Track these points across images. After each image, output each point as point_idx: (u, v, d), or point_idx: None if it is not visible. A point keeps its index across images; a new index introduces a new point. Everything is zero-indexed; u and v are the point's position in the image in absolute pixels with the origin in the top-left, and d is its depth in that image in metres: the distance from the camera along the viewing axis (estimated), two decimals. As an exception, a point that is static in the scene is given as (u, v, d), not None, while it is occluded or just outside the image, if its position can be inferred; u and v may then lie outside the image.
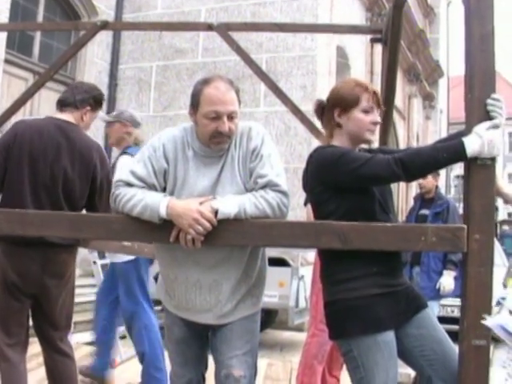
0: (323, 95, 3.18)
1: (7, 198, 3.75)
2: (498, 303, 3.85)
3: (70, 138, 3.92)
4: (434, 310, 6.36)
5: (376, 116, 3.02)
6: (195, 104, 2.96)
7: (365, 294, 2.84)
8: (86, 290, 9.62)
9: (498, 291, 10.24)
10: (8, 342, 3.74)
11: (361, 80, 3.11)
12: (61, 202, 3.85)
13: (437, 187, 6.56)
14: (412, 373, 5.87)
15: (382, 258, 2.86)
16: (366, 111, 2.98)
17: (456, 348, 2.83)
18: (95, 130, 12.08)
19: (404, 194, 17.87)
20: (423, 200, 6.62)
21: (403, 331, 2.93)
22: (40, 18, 11.11)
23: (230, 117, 2.92)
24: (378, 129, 3.05)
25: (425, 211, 6.52)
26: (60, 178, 3.84)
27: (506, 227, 29.39)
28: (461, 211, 2.91)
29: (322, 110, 3.14)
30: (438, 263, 6.27)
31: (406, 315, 2.95)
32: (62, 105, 4.03)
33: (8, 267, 3.71)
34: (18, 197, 3.72)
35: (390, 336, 2.86)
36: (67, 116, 3.98)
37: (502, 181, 2.84)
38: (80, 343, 7.31)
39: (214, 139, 2.93)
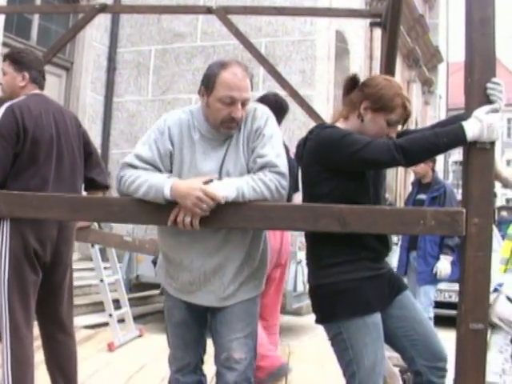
0: (322, 80, 3.19)
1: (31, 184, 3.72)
2: (496, 290, 3.86)
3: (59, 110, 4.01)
4: (430, 294, 6.38)
5: (395, 131, 3.01)
6: (210, 86, 2.93)
7: (354, 277, 2.89)
8: (84, 274, 9.65)
9: (495, 277, 10.28)
10: (26, 321, 3.70)
11: (403, 91, 3.04)
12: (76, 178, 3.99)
13: (433, 172, 6.55)
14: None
15: (369, 242, 2.91)
16: (389, 123, 2.97)
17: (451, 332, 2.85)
18: (94, 114, 12.09)
19: (402, 179, 17.89)
20: (420, 185, 6.61)
21: (387, 313, 2.99)
22: (38, 1, 11.07)
23: (243, 104, 2.92)
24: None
25: (422, 196, 6.52)
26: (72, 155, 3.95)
27: (504, 213, 29.39)
28: (459, 196, 2.91)
29: (353, 86, 3.10)
30: (434, 247, 6.28)
31: (389, 297, 3.03)
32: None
33: (29, 234, 3.68)
34: (44, 182, 3.75)
35: (377, 318, 2.92)
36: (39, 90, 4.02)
37: (500, 165, 2.84)
38: (79, 326, 7.31)
39: (225, 124, 2.93)
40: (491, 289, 3.87)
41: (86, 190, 4.29)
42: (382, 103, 2.94)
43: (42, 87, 4.03)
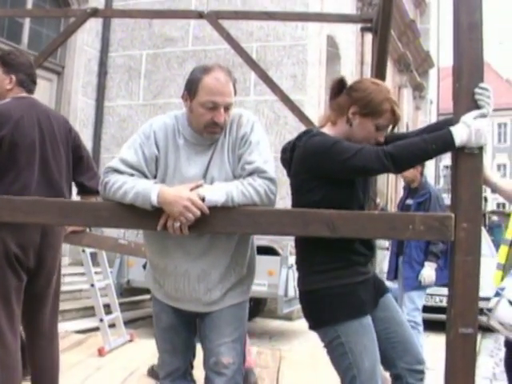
0: (313, 85, 3.19)
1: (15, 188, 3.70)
2: (497, 294, 3.86)
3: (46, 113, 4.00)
4: (415, 299, 6.37)
5: (383, 136, 3.03)
6: (192, 91, 2.93)
7: (349, 282, 2.91)
8: (75, 279, 9.65)
9: (488, 282, 10.32)
10: (11, 327, 3.67)
11: (392, 95, 3.03)
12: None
13: (422, 176, 6.49)
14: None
15: (358, 250, 2.95)
16: (378, 128, 2.98)
17: (442, 336, 2.86)
18: (85, 119, 12.08)
19: (393, 184, 17.93)
20: (410, 190, 6.60)
21: (373, 315, 3.01)
22: (29, 5, 11.06)
23: (226, 108, 2.92)
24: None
25: (409, 201, 6.51)
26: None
27: (494, 217, 29.46)
28: (448, 201, 2.91)
29: (340, 90, 3.10)
30: (419, 254, 6.25)
31: (375, 300, 3.06)
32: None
33: (10, 240, 3.66)
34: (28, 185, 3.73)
35: (370, 320, 2.95)
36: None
37: (489, 170, 2.84)
38: (69, 331, 7.31)
39: (208, 128, 2.93)
40: (493, 292, 3.88)
41: (78, 194, 4.26)
42: (371, 108, 2.95)
43: (30, 91, 3.99)
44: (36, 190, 3.72)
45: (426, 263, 6.19)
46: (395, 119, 2.99)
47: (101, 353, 6.17)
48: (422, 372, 3.02)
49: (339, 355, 2.92)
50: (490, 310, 3.76)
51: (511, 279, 3.99)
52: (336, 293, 2.89)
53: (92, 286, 6.50)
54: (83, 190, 4.20)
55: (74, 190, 4.22)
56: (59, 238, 4.00)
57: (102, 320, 6.46)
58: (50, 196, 3.64)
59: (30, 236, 3.74)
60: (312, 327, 3.05)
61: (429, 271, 6.17)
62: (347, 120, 3.00)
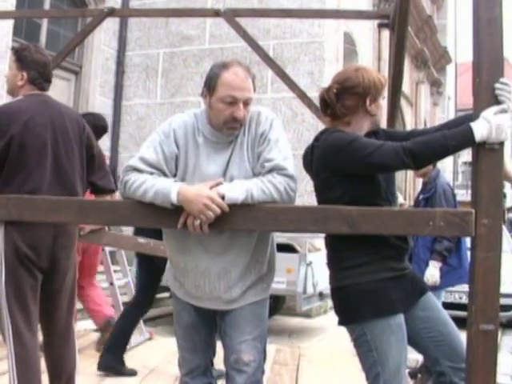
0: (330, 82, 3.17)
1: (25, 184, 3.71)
2: None
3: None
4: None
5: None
6: (211, 87, 2.94)
7: (377, 278, 2.88)
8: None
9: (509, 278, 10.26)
10: (28, 325, 3.68)
11: (372, 68, 3.20)
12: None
13: (434, 169, 6.25)
14: (420, 358, 5.89)
15: (390, 242, 2.89)
16: (384, 98, 3.10)
17: (462, 333, 2.85)
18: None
19: (411, 180, 17.86)
20: (424, 185, 6.45)
21: (410, 314, 2.97)
22: (47, 6, 11.10)
23: (245, 103, 2.93)
24: (385, 113, 3.10)
25: (420, 196, 6.38)
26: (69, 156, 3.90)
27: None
28: (469, 197, 2.89)
29: (336, 96, 3.10)
30: (426, 253, 6.02)
31: (413, 298, 3.00)
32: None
33: (21, 241, 3.64)
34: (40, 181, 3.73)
35: (401, 319, 2.90)
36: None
37: (510, 165, 2.83)
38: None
39: (228, 124, 2.93)
40: None
41: (90, 193, 4.26)
42: (378, 88, 3.05)
43: (43, 88, 3.95)
44: (48, 191, 3.69)
45: (430, 262, 5.97)
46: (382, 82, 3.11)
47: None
48: None
49: (365, 352, 2.92)
50: None
51: None
52: (363, 289, 2.88)
53: (111, 284, 6.52)
54: (95, 190, 4.18)
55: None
56: (72, 238, 3.98)
57: None
58: (64, 195, 3.63)
59: (42, 237, 3.72)
60: (340, 323, 3.04)
61: (432, 271, 5.94)
62: (365, 112, 3.05)
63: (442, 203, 5.91)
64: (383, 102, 3.11)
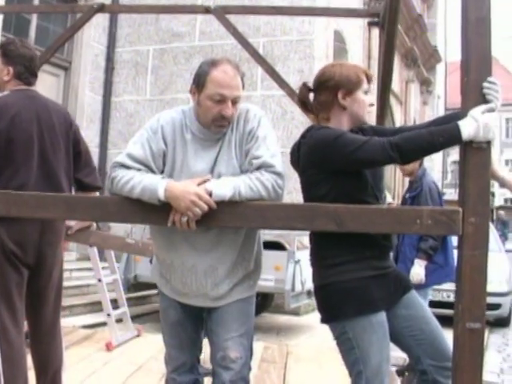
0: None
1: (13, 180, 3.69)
2: None
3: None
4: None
5: (372, 98, 3.13)
6: (200, 84, 2.94)
7: (359, 276, 2.87)
8: (83, 274, 9.67)
9: (503, 275, 10.28)
10: (14, 322, 3.66)
11: (353, 63, 3.16)
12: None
13: (420, 168, 6.23)
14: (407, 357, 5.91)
15: (373, 241, 2.90)
16: (366, 93, 3.06)
17: (449, 331, 2.85)
18: (92, 114, 12.08)
19: (400, 178, 17.89)
20: (410, 183, 6.45)
21: (393, 312, 2.98)
22: (36, 1, 11.07)
23: (234, 101, 2.93)
24: (374, 111, 3.09)
25: (407, 195, 6.39)
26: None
27: (501, 212, 29.47)
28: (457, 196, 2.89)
29: (308, 94, 3.16)
30: (412, 251, 5.99)
31: (395, 296, 3.01)
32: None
33: (7, 237, 3.63)
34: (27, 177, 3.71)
35: (383, 317, 2.90)
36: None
37: (497, 164, 2.84)
38: (77, 326, 7.33)
39: (216, 122, 2.93)
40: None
41: (76, 190, 4.20)
42: (352, 81, 3.02)
43: (29, 83, 3.92)
44: (34, 186, 3.68)
45: (415, 260, 5.94)
46: (369, 76, 3.09)
47: (108, 348, 6.19)
48: (450, 369, 2.98)
49: (347, 350, 2.92)
50: None
51: None
52: (345, 287, 2.87)
53: (99, 280, 6.50)
54: (81, 187, 4.15)
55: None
56: (59, 235, 3.96)
57: (109, 315, 6.48)
58: (49, 191, 3.62)
59: (28, 234, 3.71)
60: (323, 321, 3.04)
61: (417, 269, 5.91)
62: (339, 106, 3.03)
63: (428, 202, 5.92)
64: (368, 97, 3.08)
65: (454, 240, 4.32)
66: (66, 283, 6.59)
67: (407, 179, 6.65)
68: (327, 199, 2.81)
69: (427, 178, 6.16)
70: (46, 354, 3.96)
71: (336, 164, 2.83)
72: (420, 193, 6.05)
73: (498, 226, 23.03)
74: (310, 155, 2.93)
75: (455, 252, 2.97)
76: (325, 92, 3.06)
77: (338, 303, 2.90)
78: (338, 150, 2.80)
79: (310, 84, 3.16)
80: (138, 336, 6.91)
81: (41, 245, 3.77)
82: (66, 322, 7.02)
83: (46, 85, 10.59)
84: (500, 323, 10.10)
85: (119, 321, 6.88)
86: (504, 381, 6.99)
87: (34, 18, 11.06)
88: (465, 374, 2.58)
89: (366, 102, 3.05)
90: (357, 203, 2.74)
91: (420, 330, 2.99)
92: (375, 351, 2.85)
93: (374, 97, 5.61)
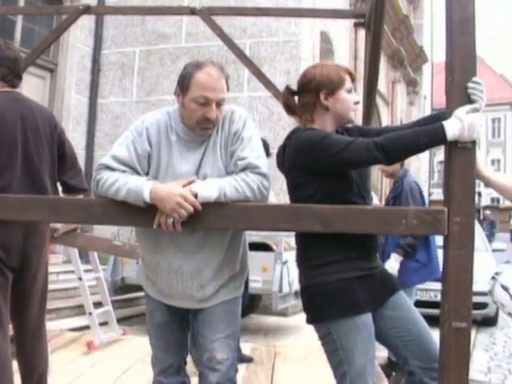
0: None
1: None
2: (493, 278, 4.00)
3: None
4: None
5: (357, 96, 3.10)
6: (185, 87, 2.93)
7: (344, 277, 2.87)
8: (69, 276, 9.62)
9: (489, 274, 10.36)
10: None
11: (334, 62, 3.17)
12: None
13: (402, 168, 6.26)
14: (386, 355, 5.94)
15: (359, 241, 2.89)
16: (349, 91, 3.04)
17: (436, 331, 2.86)
18: (78, 116, 12.05)
19: (387, 179, 17.93)
20: (393, 184, 6.47)
21: (379, 313, 2.97)
22: (22, 2, 11.02)
23: (218, 104, 2.92)
24: (360, 112, 3.08)
25: (390, 195, 6.42)
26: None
27: (487, 212, 29.63)
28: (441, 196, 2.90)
29: (293, 96, 3.16)
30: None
31: (382, 297, 3.00)
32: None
33: None
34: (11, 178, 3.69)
35: (368, 318, 2.90)
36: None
37: (482, 164, 2.84)
38: (63, 329, 7.30)
39: (200, 124, 2.93)
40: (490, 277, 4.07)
41: (62, 192, 4.18)
42: (333, 81, 3.01)
43: (13, 85, 3.88)
44: (18, 188, 3.66)
45: (392, 254, 5.97)
46: (352, 75, 3.08)
47: (90, 346, 6.14)
48: (437, 370, 2.99)
49: (331, 351, 2.92)
50: (490, 291, 3.96)
51: (507, 266, 4.14)
52: (330, 289, 2.87)
53: (80, 279, 6.43)
54: (67, 189, 4.14)
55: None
56: (43, 237, 3.94)
57: (91, 314, 6.42)
58: (33, 193, 3.59)
59: (12, 237, 3.69)
60: (308, 321, 3.04)
61: (391, 263, 5.93)
62: (322, 107, 3.03)
63: (409, 201, 5.95)
64: (353, 96, 3.06)
65: (439, 239, 4.33)
66: (52, 286, 6.55)
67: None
68: (313, 200, 2.81)
69: (408, 179, 6.20)
70: (31, 357, 3.94)
71: (321, 165, 2.83)
72: (401, 192, 6.09)
73: (484, 226, 23.14)
74: (295, 157, 2.93)
75: (439, 251, 2.97)
76: (307, 94, 3.06)
77: (323, 304, 2.89)
78: (323, 151, 2.79)
79: (294, 87, 3.16)
80: (123, 334, 6.88)
81: (25, 247, 3.75)
82: (53, 325, 7.00)
83: (32, 87, 10.56)
84: (487, 322, 10.14)
85: (105, 323, 6.86)
86: (491, 379, 7.02)
87: (20, 20, 11.01)
88: (451, 374, 2.59)
89: (350, 100, 3.04)
90: (343, 203, 2.75)
91: (407, 331, 2.98)
92: (360, 353, 2.85)
93: (361, 96, 5.62)
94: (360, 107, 5.25)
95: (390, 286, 3.06)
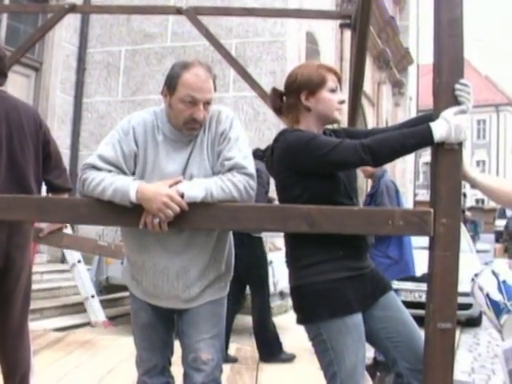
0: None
1: None
2: (472, 279, 4.04)
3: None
4: None
5: (341, 95, 3.06)
6: (172, 87, 2.92)
7: (333, 278, 2.85)
8: (54, 276, 9.59)
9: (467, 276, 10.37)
10: None
11: (318, 62, 3.15)
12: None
13: (380, 171, 6.27)
14: (372, 355, 5.95)
15: (348, 241, 2.87)
16: (332, 90, 3.01)
17: (421, 331, 2.86)
18: (63, 115, 12.00)
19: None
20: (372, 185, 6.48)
21: (369, 313, 2.96)
22: (7, 0, 10.97)
23: (206, 104, 2.91)
24: (346, 113, 3.07)
25: (367, 194, 6.45)
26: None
27: (468, 214, 29.76)
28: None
29: (280, 97, 3.15)
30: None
31: (372, 297, 2.98)
32: None
33: None
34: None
35: (358, 318, 2.89)
36: None
37: (468, 165, 2.85)
38: (48, 329, 7.26)
39: (187, 125, 2.92)
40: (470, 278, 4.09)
41: (47, 192, 4.15)
42: (313, 81, 2.99)
43: None
44: (2, 187, 3.61)
45: None
46: (337, 75, 3.05)
47: (106, 326, 5.97)
48: None
49: (322, 351, 2.91)
50: (471, 292, 4.02)
51: (485, 267, 4.19)
52: (319, 289, 2.86)
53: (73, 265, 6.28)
54: (52, 188, 4.10)
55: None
56: (27, 237, 3.91)
57: (93, 296, 6.27)
58: (17, 193, 3.57)
59: None
60: (298, 322, 3.03)
61: None
62: (306, 108, 3.02)
63: (385, 200, 5.98)
64: (337, 95, 3.03)
65: (416, 239, 4.34)
66: (36, 286, 6.51)
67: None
68: (301, 201, 2.81)
69: (385, 178, 6.23)
70: (14, 357, 3.91)
71: (309, 166, 2.83)
72: (377, 190, 6.12)
73: (468, 226, 23.24)
74: (283, 158, 2.93)
75: (424, 252, 2.98)
76: (290, 95, 3.06)
77: (313, 305, 2.88)
78: (310, 152, 2.79)
79: (281, 87, 3.16)
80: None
81: (9, 247, 3.72)
82: (37, 325, 6.97)
83: (17, 85, 10.50)
84: (471, 323, 10.18)
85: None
86: (475, 380, 7.04)
87: (5, 18, 10.95)
88: (436, 374, 2.60)
89: (334, 100, 3.00)
90: (331, 204, 2.75)
91: (397, 332, 2.97)
92: (350, 353, 2.84)
93: (346, 97, 5.63)
94: (345, 108, 5.25)
95: (381, 287, 3.04)
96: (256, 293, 6.31)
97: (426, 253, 2.74)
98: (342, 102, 3.04)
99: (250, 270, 6.13)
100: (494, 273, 4.07)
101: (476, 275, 4.04)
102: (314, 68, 3.03)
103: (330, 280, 2.85)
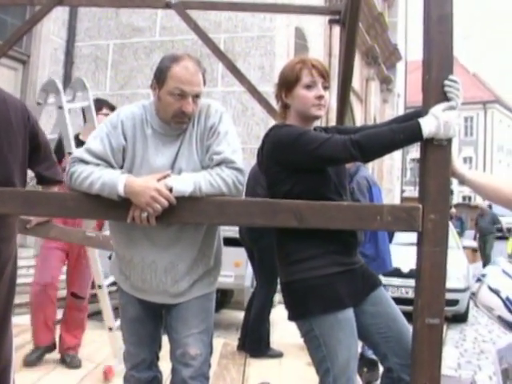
0: (281, 76, 3.18)
1: None
2: (479, 280, 3.98)
3: None
4: None
5: (320, 90, 3.00)
6: (161, 80, 2.92)
7: (325, 273, 2.86)
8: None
9: (461, 271, 10.42)
10: None
11: (303, 56, 3.13)
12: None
13: (353, 167, 6.22)
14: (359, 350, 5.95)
15: (337, 236, 2.88)
16: (308, 86, 2.99)
17: (410, 326, 2.87)
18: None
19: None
20: None
21: (360, 309, 2.97)
22: (-6, -7, 10.89)
23: (195, 98, 2.91)
24: (334, 109, 3.06)
25: None
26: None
27: (453, 210, 29.84)
28: (417, 193, 2.90)
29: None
30: None
31: (363, 293, 3.00)
32: None
33: None
34: None
35: (350, 313, 2.89)
36: None
37: (457, 162, 2.86)
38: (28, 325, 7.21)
39: (176, 118, 2.92)
40: (475, 279, 4.03)
41: (37, 184, 4.13)
42: (287, 79, 3.02)
43: None
44: None
45: None
46: (315, 69, 3.01)
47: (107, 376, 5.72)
48: None
49: (314, 347, 2.91)
50: (474, 294, 3.92)
51: (492, 267, 4.12)
52: (310, 285, 2.86)
53: (99, 287, 6.11)
54: (41, 180, 4.08)
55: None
56: (12, 229, 3.87)
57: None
58: (0, 185, 3.55)
59: None
60: (289, 318, 3.03)
61: None
62: (286, 106, 3.06)
63: (358, 197, 5.96)
64: (313, 91, 2.98)
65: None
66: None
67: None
68: (291, 196, 2.81)
69: (360, 174, 6.17)
70: None
71: (298, 161, 2.83)
72: (352, 188, 6.11)
73: (454, 223, 23.33)
74: (273, 153, 2.93)
75: (411, 248, 2.98)
76: (278, 92, 3.11)
77: (304, 301, 2.89)
78: (300, 147, 2.80)
79: (269, 82, 3.17)
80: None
81: None
82: (23, 320, 6.91)
83: (4, 78, 10.44)
84: (458, 319, 10.23)
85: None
86: (461, 375, 7.08)
87: (-8, 11, 10.89)
88: (424, 369, 2.62)
89: (308, 96, 2.98)
90: (320, 200, 2.75)
91: (387, 327, 2.98)
92: (342, 348, 2.85)
93: (335, 93, 5.63)
94: (334, 104, 5.24)
95: (371, 282, 3.06)
96: (266, 284, 6.28)
97: (413, 249, 2.74)
98: (319, 98, 2.99)
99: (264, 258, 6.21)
100: (505, 272, 3.98)
101: (483, 275, 3.98)
102: (292, 65, 3.04)
103: (321, 276, 2.86)
